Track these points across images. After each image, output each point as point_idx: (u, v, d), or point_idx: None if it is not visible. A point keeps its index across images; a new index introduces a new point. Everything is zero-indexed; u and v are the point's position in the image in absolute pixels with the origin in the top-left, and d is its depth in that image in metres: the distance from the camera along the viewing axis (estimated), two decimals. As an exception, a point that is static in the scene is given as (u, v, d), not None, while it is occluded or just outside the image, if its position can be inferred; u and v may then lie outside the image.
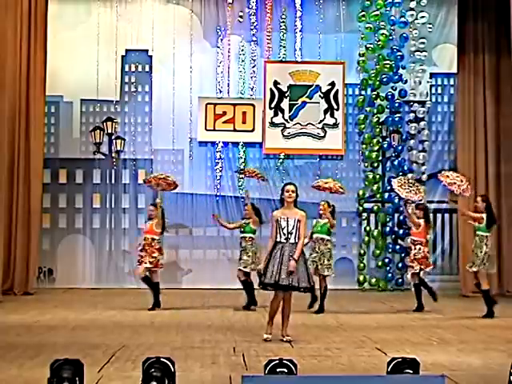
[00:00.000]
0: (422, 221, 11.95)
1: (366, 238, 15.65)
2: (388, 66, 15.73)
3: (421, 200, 12.10)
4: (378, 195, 15.82)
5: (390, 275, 15.59)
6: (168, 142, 15.73)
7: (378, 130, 15.80)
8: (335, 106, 15.85)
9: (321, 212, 11.91)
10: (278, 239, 8.62)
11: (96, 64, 15.50)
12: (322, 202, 12.01)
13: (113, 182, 15.66)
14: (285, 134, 15.80)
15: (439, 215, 15.89)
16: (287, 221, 8.62)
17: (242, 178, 15.27)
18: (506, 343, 8.68)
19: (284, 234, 8.60)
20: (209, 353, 7.90)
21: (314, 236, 11.78)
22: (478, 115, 15.56)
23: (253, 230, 12.08)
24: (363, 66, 15.90)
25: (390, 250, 15.67)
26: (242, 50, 15.91)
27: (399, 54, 15.74)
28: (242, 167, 15.10)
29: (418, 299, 11.81)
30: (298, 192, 8.85)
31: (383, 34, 15.76)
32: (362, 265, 15.57)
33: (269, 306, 8.90)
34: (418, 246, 11.83)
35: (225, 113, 15.73)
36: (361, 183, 15.92)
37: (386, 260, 15.61)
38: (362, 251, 15.66)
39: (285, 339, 8.65)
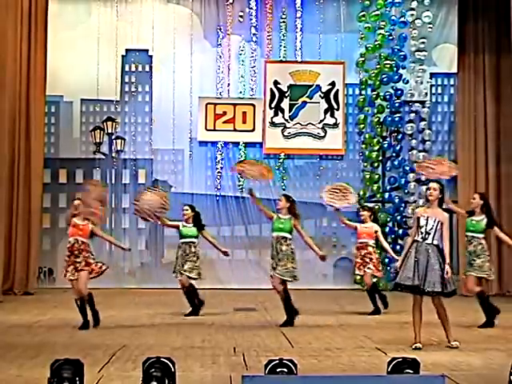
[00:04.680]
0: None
1: (367, 238, 15.62)
2: (388, 65, 15.74)
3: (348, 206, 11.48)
4: (379, 195, 15.83)
5: (391, 275, 15.56)
6: (168, 141, 15.73)
7: (378, 129, 15.81)
8: (335, 106, 15.86)
9: (279, 207, 10.29)
10: (416, 237, 8.19)
11: (96, 64, 15.51)
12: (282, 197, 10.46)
13: (113, 181, 15.66)
14: (285, 133, 15.80)
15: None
16: (427, 220, 8.14)
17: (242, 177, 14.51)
18: (506, 343, 8.68)
19: (421, 233, 8.14)
20: (209, 353, 7.89)
21: (274, 234, 10.11)
22: (478, 115, 15.56)
23: (196, 234, 11.23)
24: (363, 66, 15.92)
25: (391, 250, 15.65)
26: (243, 50, 15.92)
27: (401, 53, 15.74)
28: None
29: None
30: (443, 191, 8.38)
31: (381, 33, 15.75)
32: (362, 265, 15.54)
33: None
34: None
35: (225, 113, 15.74)
36: (361, 183, 15.93)
37: (387, 260, 15.59)
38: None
39: (452, 344, 8.26)
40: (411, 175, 15.61)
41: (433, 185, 8.34)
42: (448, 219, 8.38)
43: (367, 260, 11.64)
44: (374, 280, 12.03)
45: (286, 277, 10.02)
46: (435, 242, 8.15)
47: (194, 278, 11.10)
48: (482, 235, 10.30)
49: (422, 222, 8.17)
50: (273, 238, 10.13)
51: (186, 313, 11.06)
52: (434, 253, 8.12)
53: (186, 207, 11.50)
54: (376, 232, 11.71)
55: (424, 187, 15.55)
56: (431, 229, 8.14)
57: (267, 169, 10.72)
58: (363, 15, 15.88)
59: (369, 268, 11.61)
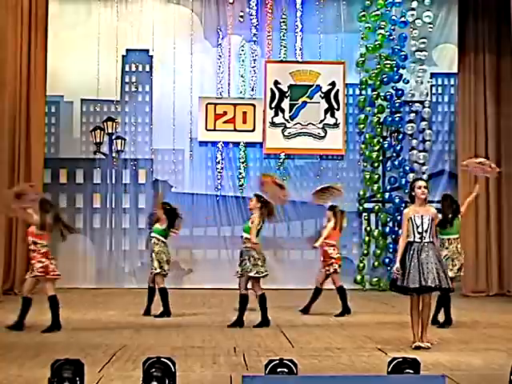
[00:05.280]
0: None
1: (367, 238, 15.64)
2: (388, 65, 15.74)
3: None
4: (379, 195, 15.83)
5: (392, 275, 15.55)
6: (168, 141, 15.73)
7: (378, 129, 15.81)
8: (336, 106, 15.85)
9: (250, 207, 10.37)
10: (412, 239, 8.12)
11: (96, 64, 15.50)
12: (252, 197, 10.39)
13: (113, 181, 15.66)
14: (285, 133, 15.80)
15: (439, 215, 15.85)
16: (422, 219, 8.12)
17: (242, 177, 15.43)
18: (507, 343, 8.68)
19: (419, 233, 8.10)
20: (209, 353, 7.90)
21: (244, 235, 10.19)
22: (478, 115, 15.56)
23: (161, 231, 11.14)
24: (363, 66, 15.91)
25: (391, 250, 15.66)
26: (243, 50, 15.91)
27: (402, 53, 15.73)
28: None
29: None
30: (429, 188, 8.39)
31: (380, 33, 15.75)
32: (362, 265, 15.57)
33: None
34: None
35: (225, 113, 15.74)
36: (361, 183, 15.93)
37: (387, 260, 15.61)
38: (364, 251, 15.65)
39: (423, 345, 8.22)
40: (411, 175, 15.61)
41: (423, 183, 8.36)
42: (437, 214, 8.42)
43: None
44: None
45: (251, 273, 9.95)
46: (431, 239, 8.17)
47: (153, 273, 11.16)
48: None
49: (418, 221, 8.15)
50: None
51: (157, 314, 11.03)
52: (433, 251, 8.14)
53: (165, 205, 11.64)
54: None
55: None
56: (427, 227, 8.15)
57: (284, 194, 10.63)
58: (363, 15, 15.87)
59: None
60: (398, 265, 8.19)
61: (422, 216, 8.16)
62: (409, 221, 8.18)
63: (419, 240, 8.13)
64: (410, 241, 8.18)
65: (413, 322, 8.34)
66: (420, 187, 8.24)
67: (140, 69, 15.94)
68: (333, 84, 15.86)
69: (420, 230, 8.13)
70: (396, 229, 15.69)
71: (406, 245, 8.19)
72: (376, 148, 15.80)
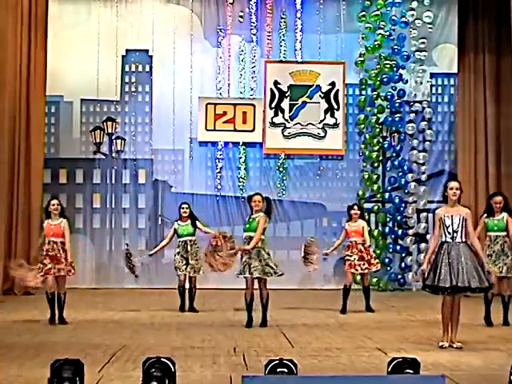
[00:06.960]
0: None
1: (366, 238, 15.62)
2: (388, 65, 15.74)
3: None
4: (379, 195, 15.83)
5: (393, 275, 15.58)
6: (168, 141, 15.73)
7: (378, 130, 15.81)
8: (335, 106, 15.85)
9: (257, 208, 10.04)
10: (444, 239, 8.21)
11: (96, 64, 15.49)
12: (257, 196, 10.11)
13: (113, 181, 15.66)
14: (285, 133, 15.80)
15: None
16: (452, 219, 8.20)
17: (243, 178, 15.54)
18: (506, 343, 8.68)
19: (449, 233, 8.18)
20: (209, 353, 7.89)
21: (245, 234, 10.03)
22: (478, 115, 15.56)
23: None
24: (362, 66, 15.91)
25: (391, 250, 15.67)
26: (243, 50, 15.90)
27: (404, 53, 15.71)
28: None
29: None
30: (462, 188, 8.43)
31: (380, 33, 15.74)
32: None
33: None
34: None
35: (225, 113, 15.73)
36: (361, 183, 15.93)
37: (387, 260, 15.61)
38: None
39: (455, 346, 8.29)
40: (411, 175, 15.62)
41: (455, 184, 8.40)
42: (471, 214, 8.45)
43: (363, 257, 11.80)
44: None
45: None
46: (463, 239, 8.22)
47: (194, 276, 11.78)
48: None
49: (448, 221, 8.22)
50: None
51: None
52: (464, 250, 8.20)
53: (186, 205, 11.90)
54: (363, 228, 11.95)
55: (422, 187, 15.63)
56: (458, 226, 8.21)
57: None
58: (363, 15, 15.87)
59: (367, 267, 11.77)
60: (424, 266, 8.29)
61: (452, 216, 8.23)
62: (439, 221, 8.27)
63: (450, 240, 8.21)
64: (442, 241, 8.27)
65: (443, 319, 8.39)
66: (452, 188, 8.32)
67: (140, 69, 15.94)
68: (333, 84, 15.85)
69: (450, 230, 8.21)
70: (396, 229, 15.70)
71: (439, 245, 8.27)
72: (376, 148, 15.80)
